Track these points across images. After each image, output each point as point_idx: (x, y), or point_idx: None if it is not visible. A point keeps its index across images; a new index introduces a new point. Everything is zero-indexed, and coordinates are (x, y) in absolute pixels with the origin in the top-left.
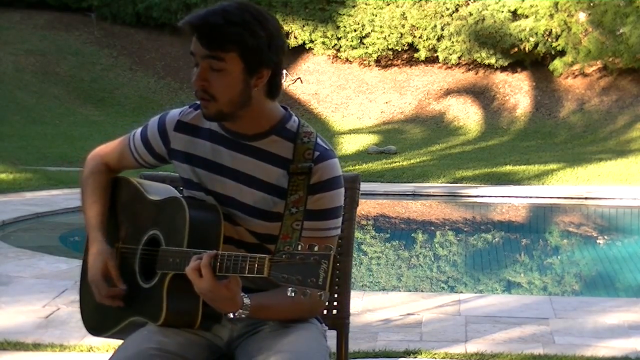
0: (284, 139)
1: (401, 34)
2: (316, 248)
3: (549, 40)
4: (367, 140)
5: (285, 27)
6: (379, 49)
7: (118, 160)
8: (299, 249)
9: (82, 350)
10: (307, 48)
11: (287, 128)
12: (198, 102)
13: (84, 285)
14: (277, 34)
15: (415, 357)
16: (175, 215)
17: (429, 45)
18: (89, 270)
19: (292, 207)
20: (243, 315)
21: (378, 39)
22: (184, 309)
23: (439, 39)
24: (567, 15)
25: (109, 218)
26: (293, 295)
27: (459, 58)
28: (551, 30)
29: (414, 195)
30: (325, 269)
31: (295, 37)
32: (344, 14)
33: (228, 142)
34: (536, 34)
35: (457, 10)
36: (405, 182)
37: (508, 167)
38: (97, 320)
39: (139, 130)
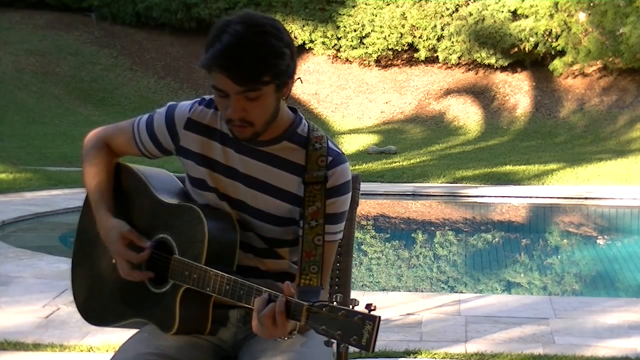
0: (295, 144)
1: (401, 34)
2: (357, 308)
3: (549, 40)
4: (367, 140)
5: (285, 27)
6: (379, 49)
7: (119, 144)
8: (338, 300)
9: (82, 350)
10: (307, 48)
11: (298, 133)
12: (206, 97)
13: (77, 273)
14: (291, 40)
15: (415, 357)
16: (193, 226)
17: (429, 45)
18: (111, 248)
19: (310, 219)
20: (293, 336)
21: (378, 39)
22: (195, 319)
23: (439, 39)
24: (567, 15)
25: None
26: (331, 346)
27: (459, 58)
28: (551, 30)
29: (414, 195)
30: (370, 330)
31: (295, 37)
32: (344, 14)
33: (239, 146)
34: (536, 34)
35: (457, 10)
36: (405, 182)
37: (508, 167)
38: (97, 312)
39: (144, 119)
